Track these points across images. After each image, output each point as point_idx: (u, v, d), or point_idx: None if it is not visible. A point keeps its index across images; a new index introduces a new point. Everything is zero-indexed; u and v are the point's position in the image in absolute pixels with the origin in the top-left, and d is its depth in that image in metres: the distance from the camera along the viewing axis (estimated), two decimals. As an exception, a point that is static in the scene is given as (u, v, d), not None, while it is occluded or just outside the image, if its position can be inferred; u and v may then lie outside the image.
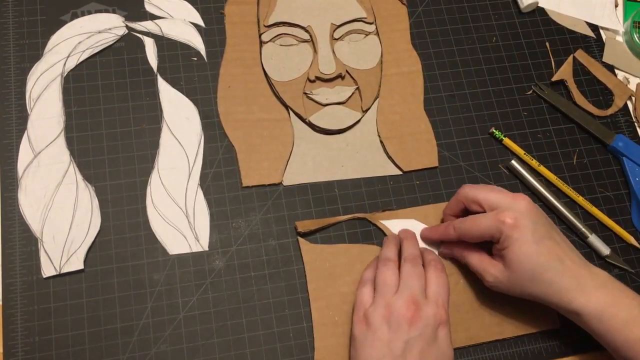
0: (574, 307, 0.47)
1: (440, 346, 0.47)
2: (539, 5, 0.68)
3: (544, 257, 0.47)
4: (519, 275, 0.48)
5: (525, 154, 0.60)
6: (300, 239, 0.55)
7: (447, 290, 0.50)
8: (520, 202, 0.49)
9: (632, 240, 0.59)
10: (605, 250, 0.57)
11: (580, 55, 0.66)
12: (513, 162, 0.60)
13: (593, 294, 0.47)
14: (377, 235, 0.56)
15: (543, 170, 0.60)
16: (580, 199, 0.59)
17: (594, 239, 0.58)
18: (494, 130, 0.61)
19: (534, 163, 0.60)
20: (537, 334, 0.54)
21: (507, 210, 0.48)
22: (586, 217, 0.59)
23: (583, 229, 0.58)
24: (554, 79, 0.64)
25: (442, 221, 0.57)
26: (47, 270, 0.51)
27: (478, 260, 0.52)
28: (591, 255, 0.58)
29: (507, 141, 0.61)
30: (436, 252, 0.55)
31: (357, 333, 0.48)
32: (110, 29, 0.60)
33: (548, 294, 0.48)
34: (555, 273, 0.48)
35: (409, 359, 0.45)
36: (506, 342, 0.54)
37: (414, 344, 0.46)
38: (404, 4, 0.66)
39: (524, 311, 0.54)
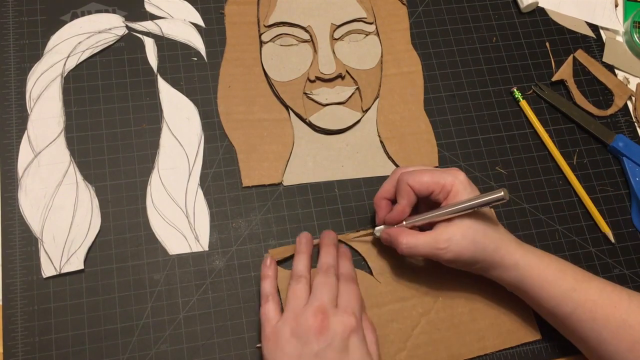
0: (514, 258, 0.49)
1: (353, 355, 0.44)
2: (539, 5, 0.68)
3: (487, 216, 0.50)
4: (471, 226, 0.48)
5: (538, 123, 0.62)
6: (279, 268, 0.53)
7: (359, 299, 0.48)
8: (459, 173, 0.50)
9: (607, 229, 0.59)
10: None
11: (580, 55, 0.66)
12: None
13: (530, 249, 0.50)
14: (355, 253, 0.55)
15: (551, 145, 0.62)
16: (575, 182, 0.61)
17: None
18: (515, 90, 0.63)
19: (545, 136, 0.62)
20: (519, 346, 0.54)
21: (456, 170, 0.50)
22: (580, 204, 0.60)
23: None
24: (554, 79, 0.64)
25: (374, 206, 0.54)
26: (47, 271, 0.51)
27: (424, 235, 0.49)
28: (583, 205, 0.60)
29: (524, 104, 0.63)
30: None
31: (266, 353, 0.45)
32: (110, 29, 0.60)
33: (496, 248, 0.49)
34: (503, 229, 0.51)
35: None
36: (489, 356, 0.53)
37: (325, 356, 0.43)
38: (404, 4, 0.66)
39: (504, 325, 0.53)
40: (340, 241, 0.54)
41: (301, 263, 0.50)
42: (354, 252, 0.55)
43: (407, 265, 0.55)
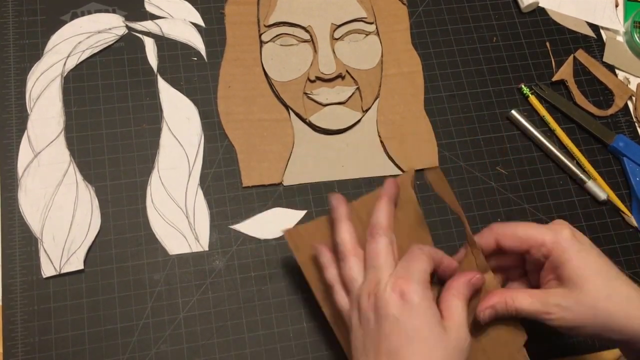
0: None
1: (404, 314, 0.39)
2: (540, 5, 0.68)
3: (613, 269, 0.41)
4: (589, 294, 0.40)
5: (544, 117, 0.63)
6: (285, 232, 0.49)
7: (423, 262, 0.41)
8: (563, 221, 0.43)
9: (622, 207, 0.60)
10: (602, 195, 0.60)
11: (581, 55, 0.66)
12: (513, 111, 0.62)
13: None
14: None
15: (559, 133, 0.63)
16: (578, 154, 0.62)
17: (591, 184, 0.60)
18: (523, 87, 0.63)
19: (554, 125, 0.62)
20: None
21: (558, 224, 0.42)
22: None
23: (581, 175, 0.60)
24: (555, 79, 0.64)
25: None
26: (47, 271, 0.51)
27: (529, 296, 0.42)
28: (583, 204, 0.60)
29: (533, 99, 0.63)
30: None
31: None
32: (110, 29, 0.60)
33: (624, 313, 0.39)
34: (630, 286, 0.40)
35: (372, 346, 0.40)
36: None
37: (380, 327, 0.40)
38: (404, 4, 0.66)
39: (491, 336, 0.46)
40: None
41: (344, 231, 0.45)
42: None
43: None
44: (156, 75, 0.59)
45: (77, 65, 0.58)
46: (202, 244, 0.54)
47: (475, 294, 0.43)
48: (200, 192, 0.56)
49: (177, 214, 0.54)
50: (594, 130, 0.62)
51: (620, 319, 0.39)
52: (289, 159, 0.58)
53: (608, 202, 0.60)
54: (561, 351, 0.53)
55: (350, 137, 0.60)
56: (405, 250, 0.42)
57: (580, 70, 0.66)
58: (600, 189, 0.60)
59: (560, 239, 0.41)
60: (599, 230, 0.59)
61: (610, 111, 0.64)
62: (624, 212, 0.60)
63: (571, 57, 0.66)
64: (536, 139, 0.61)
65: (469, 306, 0.42)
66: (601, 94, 0.65)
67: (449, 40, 0.65)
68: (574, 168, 0.60)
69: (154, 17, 0.61)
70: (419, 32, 0.65)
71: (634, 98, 0.65)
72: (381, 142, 0.60)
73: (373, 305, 0.40)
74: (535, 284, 0.45)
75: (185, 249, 0.54)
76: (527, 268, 0.45)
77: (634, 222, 0.60)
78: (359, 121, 0.60)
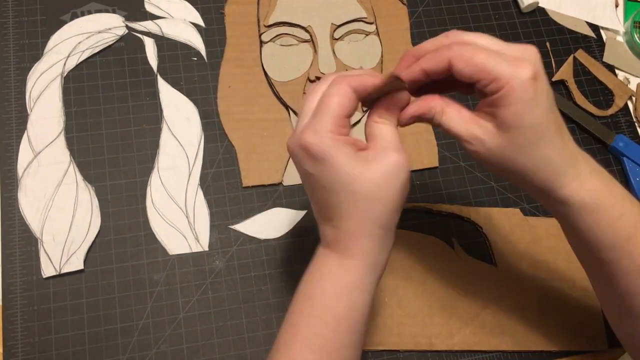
0: (564, 194, 0.39)
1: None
2: (540, 5, 0.68)
3: (550, 127, 0.37)
4: (513, 143, 0.37)
5: None
6: None
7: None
8: (535, 52, 0.38)
9: None
10: None
11: (581, 55, 0.66)
12: None
13: (588, 180, 0.39)
14: (442, 227, 0.57)
15: None
16: None
17: None
18: None
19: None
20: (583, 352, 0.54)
21: (524, 58, 0.37)
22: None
23: None
24: (554, 79, 0.64)
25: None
26: (47, 271, 0.51)
27: (459, 117, 0.39)
28: None
29: None
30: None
31: None
32: (110, 29, 0.60)
33: (538, 173, 0.38)
34: (556, 149, 0.38)
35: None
36: (552, 354, 0.54)
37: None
38: (404, 4, 0.66)
39: (573, 327, 0.54)
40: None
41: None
42: (441, 225, 0.57)
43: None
44: (156, 75, 0.59)
45: (77, 65, 0.58)
46: (202, 244, 0.54)
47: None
48: (200, 192, 0.56)
49: (177, 214, 0.54)
50: (594, 130, 0.62)
51: (533, 178, 0.38)
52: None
53: None
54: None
55: (350, 137, 0.59)
56: None
57: (580, 71, 0.66)
58: None
59: (517, 79, 0.36)
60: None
61: (610, 111, 0.64)
62: None
63: (571, 57, 0.66)
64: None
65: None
66: (601, 94, 0.65)
67: (449, 40, 0.65)
68: None
69: (154, 17, 0.61)
70: (419, 32, 0.65)
71: (634, 98, 0.65)
72: (381, 142, 0.60)
73: (297, 167, 0.40)
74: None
75: (185, 249, 0.54)
76: (458, 86, 0.40)
77: None
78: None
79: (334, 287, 0.38)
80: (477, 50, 0.37)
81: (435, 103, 0.39)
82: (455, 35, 0.39)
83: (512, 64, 0.36)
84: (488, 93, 0.37)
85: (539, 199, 0.41)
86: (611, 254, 0.40)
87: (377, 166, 0.37)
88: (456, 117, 0.39)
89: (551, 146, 0.38)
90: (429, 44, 0.40)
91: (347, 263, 0.38)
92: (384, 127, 0.39)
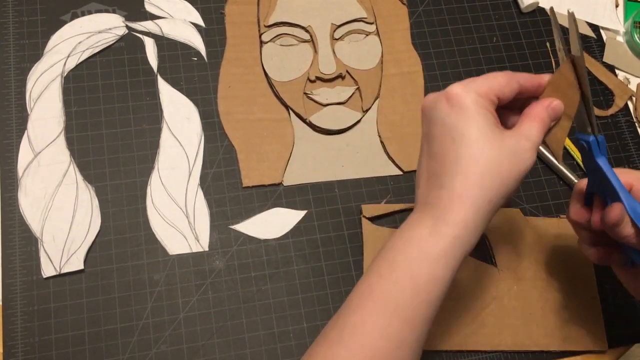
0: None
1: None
2: (540, 5, 0.68)
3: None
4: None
5: None
6: (364, 219, 0.56)
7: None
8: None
9: None
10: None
11: (581, 55, 0.66)
12: None
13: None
14: None
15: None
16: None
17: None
18: None
19: None
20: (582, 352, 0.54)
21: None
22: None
23: (575, 181, 0.59)
24: (555, 79, 0.64)
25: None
26: (47, 271, 0.51)
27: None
28: None
29: None
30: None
31: None
32: (110, 29, 0.60)
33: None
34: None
35: None
36: (552, 354, 0.54)
37: None
38: (404, 4, 0.66)
39: (573, 328, 0.54)
40: None
41: None
42: None
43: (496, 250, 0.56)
44: (156, 75, 0.59)
45: (77, 65, 0.58)
46: (202, 244, 0.54)
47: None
48: (200, 192, 0.56)
49: (177, 214, 0.54)
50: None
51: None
52: (288, 159, 0.58)
53: None
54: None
55: (350, 137, 0.60)
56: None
57: (580, 71, 0.66)
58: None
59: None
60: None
61: (611, 111, 0.64)
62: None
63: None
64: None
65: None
66: (601, 94, 0.65)
67: (449, 40, 0.65)
68: (568, 174, 0.60)
69: (154, 17, 0.61)
70: (419, 32, 0.65)
71: (634, 98, 0.65)
72: (381, 142, 0.60)
73: (428, 114, 0.40)
74: None
75: (185, 249, 0.54)
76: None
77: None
78: (359, 121, 0.60)
79: (419, 255, 0.37)
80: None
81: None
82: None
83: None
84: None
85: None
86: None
87: (511, 143, 0.38)
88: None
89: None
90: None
91: (439, 230, 0.37)
92: (533, 124, 0.40)
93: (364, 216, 0.56)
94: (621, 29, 0.69)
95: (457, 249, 0.37)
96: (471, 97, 0.38)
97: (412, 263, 0.37)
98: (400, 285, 0.37)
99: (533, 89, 0.41)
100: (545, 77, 0.42)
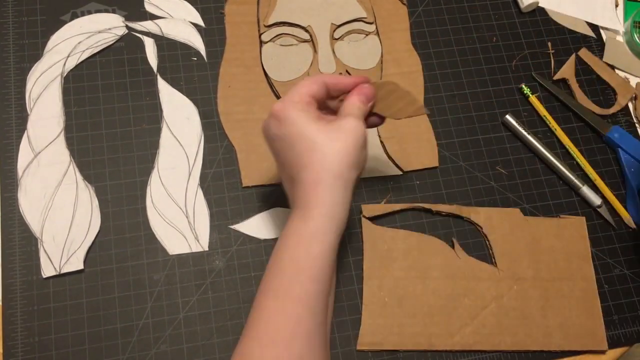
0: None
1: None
2: (540, 5, 0.68)
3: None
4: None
5: (545, 117, 0.63)
6: (364, 219, 0.56)
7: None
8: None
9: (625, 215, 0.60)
10: (596, 200, 0.59)
11: (584, 54, 0.66)
12: (508, 117, 0.61)
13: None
14: (442, 227, 0.57)
15: (560, 133, 0.62)
16: (577, 154, 0.62)
17: (586, 190, 0.60)
18: (524, 86, 0.63)
19: (554, 125, 0.63)
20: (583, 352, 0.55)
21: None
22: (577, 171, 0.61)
23: (576, 181, 0.60)
24: (556, 77, 0.64)
25: None
26: (47, 271, 0.51)
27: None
28: (583, 205, 0.60)
29: (533, 99, 0.63)
30: None
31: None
32: (110, 29, 0.60)
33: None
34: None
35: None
36: (552, 354, 0.54)
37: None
38: (404, 4, 0.66)
39: (573, 328, 0.54)
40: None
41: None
42: (443, 224, 0.57)
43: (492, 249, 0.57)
44: (156, 75, 0.59)
45: (77, 65, 0.58)
46: (202, 244, 0.54)
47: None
48: (200, 192, 0.56)
49: (177, 214, 0.54)
50: (590, 120, 0.63)
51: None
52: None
53: (601, 208, 0.59)
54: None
55: (350, 137, 0.59)
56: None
57: (581, 71, 0.66)
58: (594, 194, 0.60)
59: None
60: (599, 231, 0.59)
61: (612, 110, 0.64)
62: (610, 224, 0.60)
63: (573, 56, 0.66)
64: (531, 144, 0.61)
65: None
66: (601, 94, 0.65)
67: (449, 40, 0.65)
68: (568, 174, 0.60)
69: (153, 17, 0.61)
70: (419, 32, 0.65)
71: (634, 99, 0.65)
72: (381, 142, 0.60)
73: (268, 136, 0.46)
74: None
75: (185, 249, 0.54)
76: None
77: (632, 224, 0.60)
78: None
79: (296, 239, 0.42)
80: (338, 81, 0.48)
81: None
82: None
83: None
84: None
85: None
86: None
87: (336, 125, 0.43)
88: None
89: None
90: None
91: (306, 215, 0.42)
92: (350, 103, 0.46)
93: (364, 216, 0.56)
94: (621, 28, 0.69)
95: (326, 225, 0.42)
96: (288, 106, 0.44)
97: (291, 248, 0.42)
98: (284, 270, 0.41)
99: (343, 86, 0.47)
100: (348, 79, 0.48)
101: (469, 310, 0.54)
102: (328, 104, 0.48)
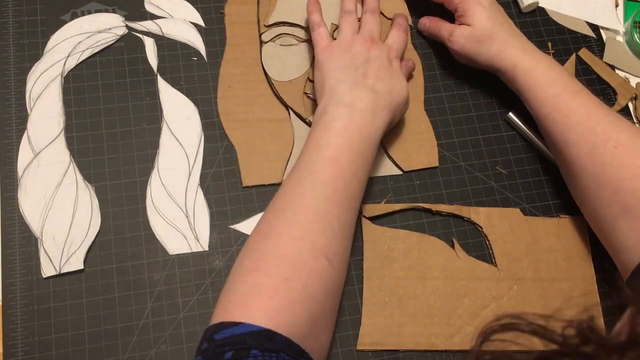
0: (512, 60, 0.57)
1: (394, 69, 0.55)
2: (540, 5, 0.68)
3: (499, 20, 0.58)
4: (478, 31, 0.57)
5: None
6: (364, 219, 0.56)
7: (404, 43, 0.59)
8: None
9: None
10: None
11: (584, 54, 0.66)
12: (510, 114, 0.62)
13: (533, 55, 0.57)
14: (442, 227, 0.57)
15: None
16: None
17: None
18: None
19: None
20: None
21: None
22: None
23: None
24: (555, 78, 0.64)
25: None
26: (47, 270, 0.51)
27: (449, 25, 0.61)
28: None
29: None
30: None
31: (321, 57, 0.55)
32: (110, 28, 0.60)
33: (498, 49, 0.57)
34: (506, 33, 0.58)
35: (369, 69, 0.53)
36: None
37: (373, 61, 0.54)
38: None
39: None
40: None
41: (351, 3, 0.59)
42: (442, 224, 0.57)
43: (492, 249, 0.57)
44: (156, 75, 0.59)
45: (77, 65, 0.58)
46: (202, 243, 0.54)
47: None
48: (200, 192, 0.56)
49: (177, 214, 0.54)
50: None
51: (494, 53, 0.58)
52: (288, 159, 0.58)
53: None
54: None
55: (350, 137, 0.59)
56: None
57: (581, 71, 0.66)
58: None
59: (474, 6, 0.58)
60: (599, 230, 0.59)
61: (613, 110, 0.64)
62: None
63: (573, 56, 0.66)
64: (534, 142, 0.61)
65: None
66: (601, 94, 0.65)
67: (449, 40, 0.65)
68: None
69: (153, 17, 0.61)
70: (419, 32, 0.65)
71: (634, 99, 0.65)
72: (381, 142, 0.60)
73: (376, 57, 0.55)
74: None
75: (185, 249, 0.54)
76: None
77: None
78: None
79: (325, 132, 0.50)
80: None
81: (439, 21, 0.63)
82: None
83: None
84: (453, 9, 0.60)
85: (495, 70, 0.59)
86: (544, 108, 0.55)
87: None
88: (446, 27, 0.61)
89: (503, 30, 0.58)
90: None
91: (353, 111, 0.50)
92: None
93: (364, 216, 0.56)
94: (621, 29, 0.69)
95: (355, 123, 0.50)
96: (398, 63, 0.58)
97: (320, 139, 0.50)
98: (315, 167, 0.48)
99: None
100: None
101: (469, 310, 0.54)
102: None
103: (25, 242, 0.52)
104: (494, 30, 0.57)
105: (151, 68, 0.59)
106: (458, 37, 0.59)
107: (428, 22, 0.63)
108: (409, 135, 0.60)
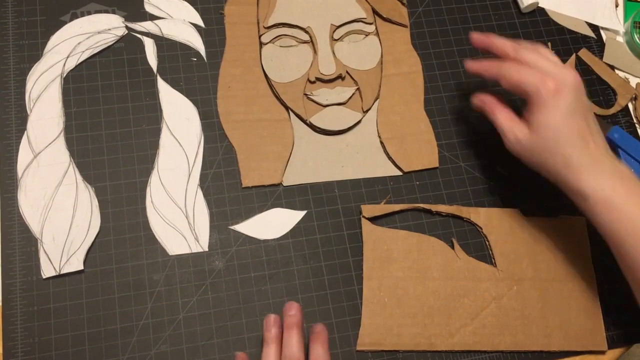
0: (582, 187, 0.47)
1: None
2: (539, 5, 0.68)
3: (570, 131, 0.48)
4: (540, 141, 0.48)
5: None
6: (363, 219, 0.56)
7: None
8: (568, 74, 0.49)
9: None
10: None
11: (584, 54, 0.66)
12: None
13: (606, 180, 0.46)
14: (442, 227, 0.57)
15: None
16: None
17: None
18: None
19: None
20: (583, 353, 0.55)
21: (553, 76, 0.48)
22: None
23: None
24: (555, 79, 0.64)
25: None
26: (47, 271, 0.51)
27: (506, 117, 0.52)
28: None
29: None
30: None
31: None
32: (109, 29, 0.60)
33: (561, 168, 0.48)
34: (576, 149, 0.47)
35: None
36: (552, 354, 0.54)
37: None
38: (404, 4, 0.66)
39: (573, 328, 0.54)
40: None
41: (272, 356, 0.46)
42: (442, 224, 0.57)
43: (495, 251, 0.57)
44: (156, 76, 0.59)
45: (76, 66, 0.58)
46: (202, 244, 0.54)
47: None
48: (200, 193, 0.56)
49: (177, 215, 0.54)
50: None
51: (555, 172, 0.49)
52: (288, 159, 0.58)
53: None
54: None
55: (350, 138, 0.60)
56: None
57: (581, 71, 0.66)
58: None
59: (542, 89, 0.48)
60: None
61: (612, 110, 0.64)
62: None
63: (573, 57, 0.66)
64: None
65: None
66: (601, 94, 0.65)
67: (449, 40, 0.65)
68: None
69: (153, 17, 0.61)
70: (419, 32, 0.65)
71: (634, 99, 0.65)
72: (381, 142, 0.60)
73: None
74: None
75: (185, 250, 0.54)
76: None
77: None
78: (359, 122, 0.60)
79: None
80: (517, 70, 0.50)
81: (487, 100, 0.54)
82: (516, 52, 0.51)
83: (540, 80, 0.48)
84: (523, 96, 0.50)
85: (565, 192, 0.50)
86: (628, 247, 0.46)
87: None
88: (503, 115, 0.52)
89: (570, 146, 0.47)
90: (499, 48, 0.54)
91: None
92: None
93: (364, 216, 0.56)
94: (621, 29, 0.69)
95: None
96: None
97: None
98: None
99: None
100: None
101: (469, 310, 0.54)
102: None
103: (25, 243, 0.52)
104: (565, 132, 0.48)
105: (151, 69, 0.59)
106: (514, 143, 0.51)
107: (481, 102, 0.55)
108: (409, 136, 0.60)
